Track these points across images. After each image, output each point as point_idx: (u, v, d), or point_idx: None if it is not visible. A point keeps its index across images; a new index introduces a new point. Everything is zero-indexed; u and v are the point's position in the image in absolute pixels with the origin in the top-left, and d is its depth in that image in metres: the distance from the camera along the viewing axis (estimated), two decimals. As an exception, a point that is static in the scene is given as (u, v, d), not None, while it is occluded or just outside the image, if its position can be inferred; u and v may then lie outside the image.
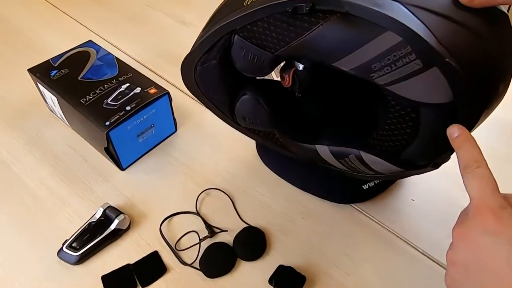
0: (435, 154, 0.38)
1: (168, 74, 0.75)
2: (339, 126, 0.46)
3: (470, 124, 0.34)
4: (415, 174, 0.42)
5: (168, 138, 0.65)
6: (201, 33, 0.43)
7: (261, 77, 0.45)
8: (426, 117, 0.35)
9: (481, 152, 0.31)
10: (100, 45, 0.67)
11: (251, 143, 0.61)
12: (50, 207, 0.55)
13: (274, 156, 0.57)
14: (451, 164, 0.38)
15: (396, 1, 0.32)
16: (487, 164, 0.30)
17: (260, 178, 0.58)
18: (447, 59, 0.31)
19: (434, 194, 0.56)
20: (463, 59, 0.32)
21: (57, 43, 0.81)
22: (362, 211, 0.54)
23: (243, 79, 0.43)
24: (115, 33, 0.84)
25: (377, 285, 0.47)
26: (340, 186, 0.53)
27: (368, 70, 0.34)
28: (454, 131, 0.33)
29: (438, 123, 0.35)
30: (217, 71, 0.43)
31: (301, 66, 0.40)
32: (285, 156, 0.52)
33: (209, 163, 0.60)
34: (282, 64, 0.42)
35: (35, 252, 0.49)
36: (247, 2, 0.37)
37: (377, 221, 0.53)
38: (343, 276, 0.47)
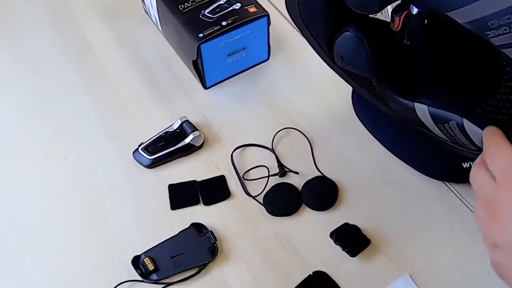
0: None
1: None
2: (445, 86, 0.53)
3: None
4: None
5: (258, 65, 0.78)
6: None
7: (369, 15, 0.54)
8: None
9: None
10: None
11: (347, 90, 0.71)
12: (131, 109, 0.73)
13: (369, 109, 0.66)
14: None
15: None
16: None
17: (348, 130, 0.68)
18: None
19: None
20: None
21: None
22: (457, 194, 0.61)
23: (349, 13, 0.53)
24: None
25: (449, 273, 0.55)
26: (436, 158, 0.61)
27: (484, 26, 0.41)
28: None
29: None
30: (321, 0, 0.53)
31: (415, 10, 0.48)
32: (381, 111, 0.61)
33: (296, 102, 0.72)
34: (395, 3, 0.50)
35: (113, 147, 0.68)
36: None
37: (472, 209, 0.60)
38: (413, 253, 0.57)
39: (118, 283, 0.55)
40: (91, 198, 0.63)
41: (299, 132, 0.68)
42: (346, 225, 0.59)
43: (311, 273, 0.56)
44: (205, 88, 0.74)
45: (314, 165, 0.65)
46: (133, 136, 0.69)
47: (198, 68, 0.71)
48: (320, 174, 0.64)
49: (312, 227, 0.60)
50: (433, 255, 0.57)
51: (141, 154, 0.65)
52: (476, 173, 0.43)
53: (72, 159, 0.67)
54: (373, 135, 0.67)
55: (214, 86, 0.75)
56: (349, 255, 0.57)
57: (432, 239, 0.58)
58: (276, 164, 0.65)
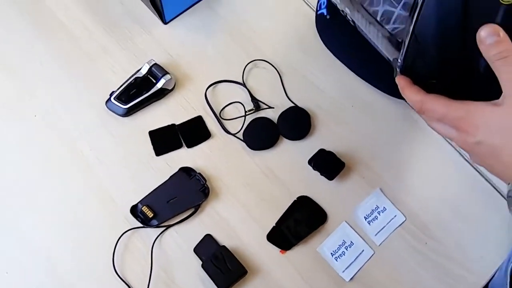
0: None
1: None
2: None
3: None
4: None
5: (215, -8, 0.78)
6: None
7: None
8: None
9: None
10: None
11: (311, 15, 0.74)
12: (91, 52, 0.72)
13: (334, 33, 0.70)
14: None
15: None
16: None
17: (314, 56, 0.73)
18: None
19: None
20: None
21: None
22: (417, 109, 0.70)
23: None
24: None
25: (417, 184, 0.66)
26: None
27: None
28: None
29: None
30: None
31: None
32: (347, 34, 0.65)
33: (259, 29, 0.75)
34: None
35: (84, 96, 0.69)
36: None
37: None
38: (384, 170, 0.67)
39: (122, 232, 0.61)
40: (74, 155, 0.66)
41: (267, 63, 0.72)
42: (321, 151, 0.67)
43: (296, 199, 0.65)
44: (165, 23, 0.74)
45: (286, 96, 0.70)
46: (101, 82, 0.70)
47: (155, 1, 0.71)
48: (292, 105, 0.70)
49: (291, 156, 0.67)
50: (401, 168, 0.67)
51: (115, 104, 0.67)
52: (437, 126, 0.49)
53: (43, 115, 0.68)
54: (338, 58, 0.72)
55: (173, 20, 0.75)
56: (327, 179, 0.66)
57: (399, 154, 0.68)
58: (250, 99, 0.70)
